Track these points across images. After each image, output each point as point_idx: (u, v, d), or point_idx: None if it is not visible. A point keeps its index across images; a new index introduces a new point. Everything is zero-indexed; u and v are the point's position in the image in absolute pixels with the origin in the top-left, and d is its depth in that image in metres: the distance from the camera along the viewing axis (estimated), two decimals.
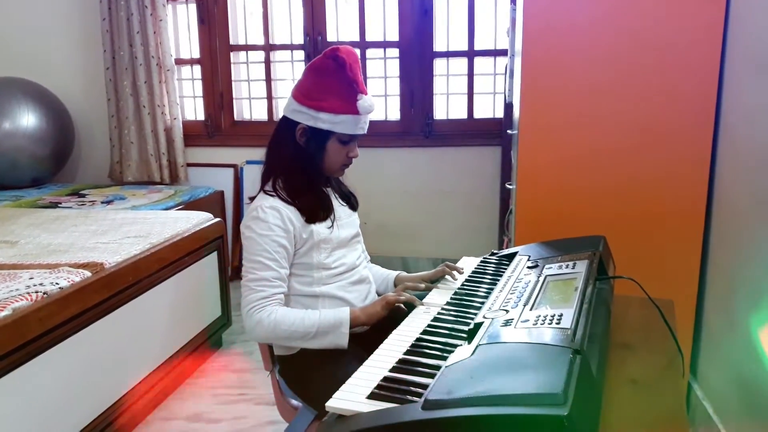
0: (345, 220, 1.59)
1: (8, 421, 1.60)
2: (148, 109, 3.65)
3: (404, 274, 1.75)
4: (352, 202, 1.65)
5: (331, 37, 3.57)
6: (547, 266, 1.48)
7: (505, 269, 1.56)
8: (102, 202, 3.20)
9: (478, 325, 1.17)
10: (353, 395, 1.01)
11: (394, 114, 3.58)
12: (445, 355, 1.11)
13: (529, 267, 1.51)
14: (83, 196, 3.40)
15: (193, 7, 3.70)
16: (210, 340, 2.68)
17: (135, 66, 3.60)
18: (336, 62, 1.44)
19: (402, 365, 1.12)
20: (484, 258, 1.75)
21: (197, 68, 3.79)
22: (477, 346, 1.05)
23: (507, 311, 1.21)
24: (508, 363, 0.97)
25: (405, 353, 1.17)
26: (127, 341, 2.08)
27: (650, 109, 1.96)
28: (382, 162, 3.58)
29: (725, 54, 1.89)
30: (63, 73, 3.83)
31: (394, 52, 3.52)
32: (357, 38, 3.53)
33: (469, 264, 1.73)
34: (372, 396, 1.00)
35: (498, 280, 1.48)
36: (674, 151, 1.96)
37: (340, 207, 1.60)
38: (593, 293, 1.32)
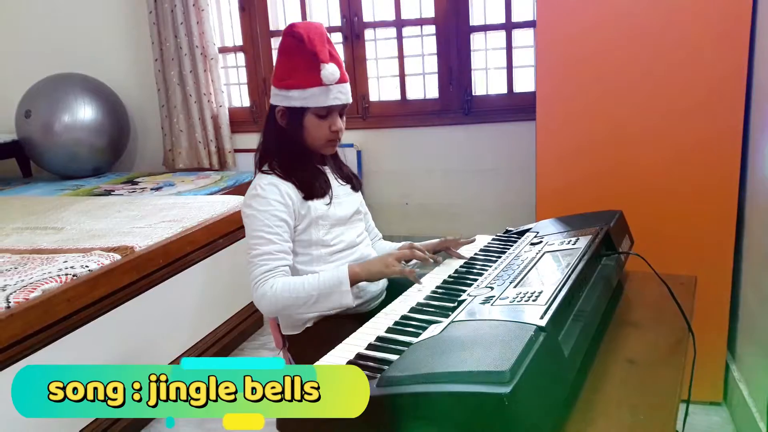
0: (344, 198, 1.58)
1: None
2: (194, 98, 3.76)
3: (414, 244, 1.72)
4: (353, 183, 1.64)
5: (367, 17, 3.54)
6: (549, 243, 1.43)
7: (511, 246, 1.52)
8: (151, 189, 3.34)
9: (460, 303, 1.15)
10: None
11: (433, 92, 3.52)
12: (420, 332, 1.10)
13: (532, 244, 1.47)
14: (136, 183, 3.56)
15: None
16: (249, 319, 2.76)
17: (180, 56, 3.71)
18: (294, 38, 1.45)
19: (379, 342, 1.12)
20: (496, 235, 1.71)
21: (241, 55, 3.87)
22: (449, 324, 1.04)
23: (492, 288, 1.18)
24: (470, 341, 0.94)
25: (386, 331, 1.17)
26: (160, 321, 2.17)
27: (677, 78, 1.84)
28: (422, 141, 3.52)
29: (756, 19, 1.74)
30: (116, 67, 4.00)
31: (431, 29, 3.46)
32: (393, 17, 3.49)
33: (481, 242, 1.71)
34: None
35: (499, 258, 1.44)
36: (704, 122, 1.84)
37: (339, 186, 1.59)
38: (591, 269, 1.27)
